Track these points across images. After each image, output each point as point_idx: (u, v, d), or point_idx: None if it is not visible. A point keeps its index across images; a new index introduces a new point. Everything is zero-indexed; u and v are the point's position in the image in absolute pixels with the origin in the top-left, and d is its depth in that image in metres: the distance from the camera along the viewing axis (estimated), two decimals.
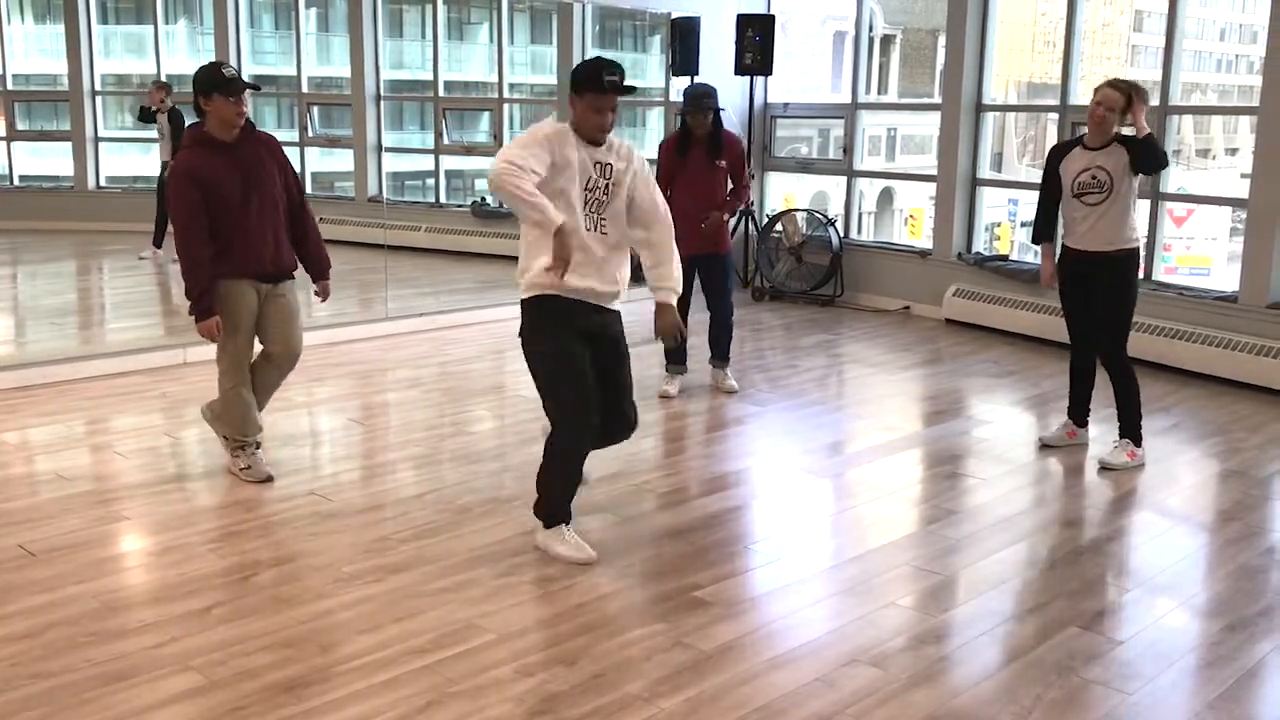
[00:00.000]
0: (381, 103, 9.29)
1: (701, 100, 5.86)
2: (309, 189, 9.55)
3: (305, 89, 9.37)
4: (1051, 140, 7.81)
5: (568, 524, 4.00)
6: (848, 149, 9.20)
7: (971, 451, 5.35)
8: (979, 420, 5.89)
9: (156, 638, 3.32)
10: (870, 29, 9.36)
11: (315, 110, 9.47)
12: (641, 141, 10.04)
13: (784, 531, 4.33)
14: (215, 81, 4.28)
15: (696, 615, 3.55)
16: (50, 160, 9.03)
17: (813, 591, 3.79)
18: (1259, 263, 6.72)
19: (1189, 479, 5.13)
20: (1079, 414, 5.35)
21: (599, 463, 4.51)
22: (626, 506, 4.47)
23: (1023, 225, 11.90)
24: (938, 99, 8.57)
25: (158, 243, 8.54)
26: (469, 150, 10.10)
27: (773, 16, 9.02)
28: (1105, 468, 5.06)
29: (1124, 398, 5.11)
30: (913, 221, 12.02)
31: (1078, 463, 5.19)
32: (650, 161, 6.00)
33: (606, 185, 3.79)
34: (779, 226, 9.12)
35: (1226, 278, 7.64)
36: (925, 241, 9.19)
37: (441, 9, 9.55)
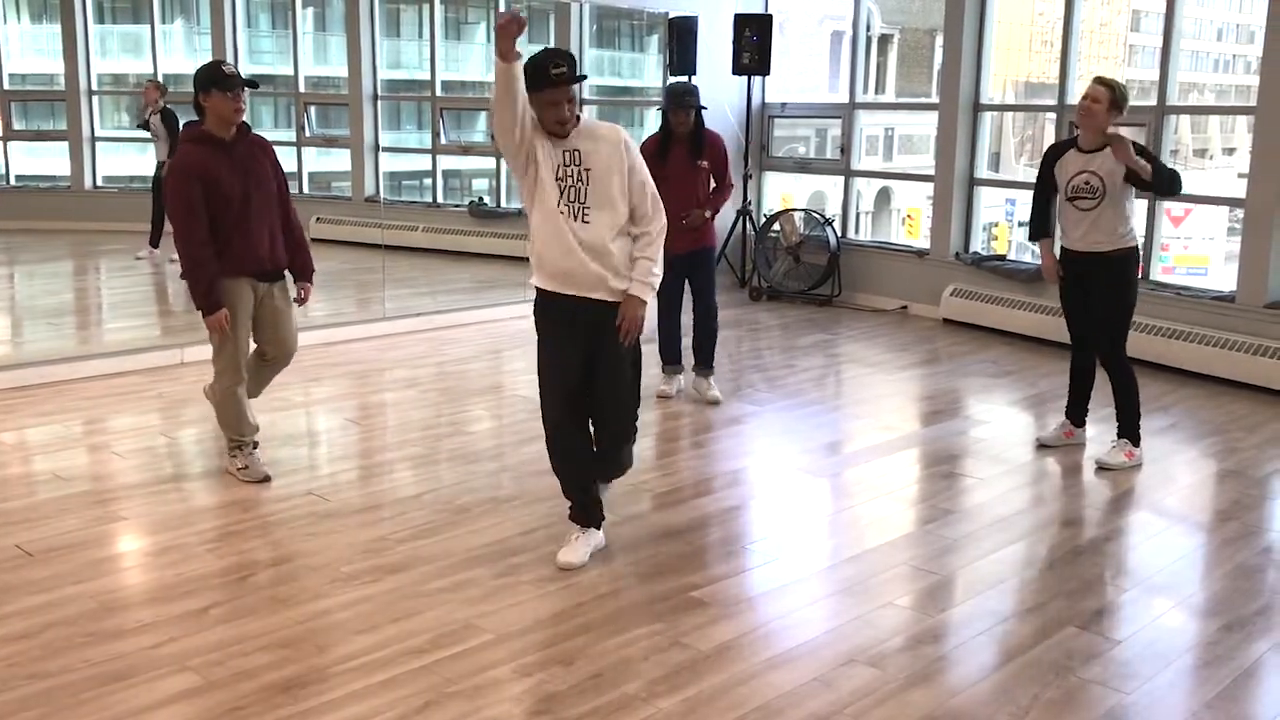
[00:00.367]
0: (379, 102, 9.29)
1: (683, 98, 5.77)
2: (306, 188, 9.60)
3: (302, 89, 9.37)
4: (1049, 140, 7.81)
5: (584, 527, 3.97)
6: (845, 149, 9.20)
7: (969, 451, 5.35)
8: (976, 420, 5.89)
9: (154, 638, 3.32)
10: (868, 29, 9.35)
11: (312, 110, 9.47)
12: (637, 142, 10.01)
13: (782, 531, 4.33)
14: (214, 78, 4.32)
15: (694, 615, 3.55)
16: (47, 160, 9.03)
17: (810, 591, 3.79)
18: (1256, 262, 6.73)
19: (1186, 478, 5.14)
20: (1077, 414, 5.35)
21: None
22: (624, 506, 4.46)
23: (1019, 225, 11.91)
24: (935, 99, 8.57)
25: (155, 242, 8.54)
26: (466, 150, 10.10)
27: (770, 16, 9.02)
28: (1102, 468, 5.06)
29: (1123, 398, 5.11)
30: (910, 221, 12.01)
31: (1075, 462, 5.19)
32: None
33: (579, 171, 3.69)
34: (776, 226, 9.12)
35: (1224, 277, 7.64)
36: (923, 241, 9.18)
37: (439, 8, 9.55)
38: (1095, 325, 5.09)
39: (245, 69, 9.03)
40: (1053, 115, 7.95)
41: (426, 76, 9.64)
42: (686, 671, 3.20)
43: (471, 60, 10.47)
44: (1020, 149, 12.35)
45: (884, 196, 12.37)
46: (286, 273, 4.68)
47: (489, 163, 9.94)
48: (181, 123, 8.01)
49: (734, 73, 8.94)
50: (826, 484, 4.95)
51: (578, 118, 3.72)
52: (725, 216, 6.50)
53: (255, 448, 4.75)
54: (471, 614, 3.52)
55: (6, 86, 8.54)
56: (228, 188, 4.34)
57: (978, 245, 8.57)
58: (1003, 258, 8.28)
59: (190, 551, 3.96)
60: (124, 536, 4.15)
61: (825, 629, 3.51)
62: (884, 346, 7.55)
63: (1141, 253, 5.37)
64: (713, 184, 5.94)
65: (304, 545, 4.05)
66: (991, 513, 4.53)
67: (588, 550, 3.93)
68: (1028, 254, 8.44)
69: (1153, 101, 7.23)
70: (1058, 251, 5.23)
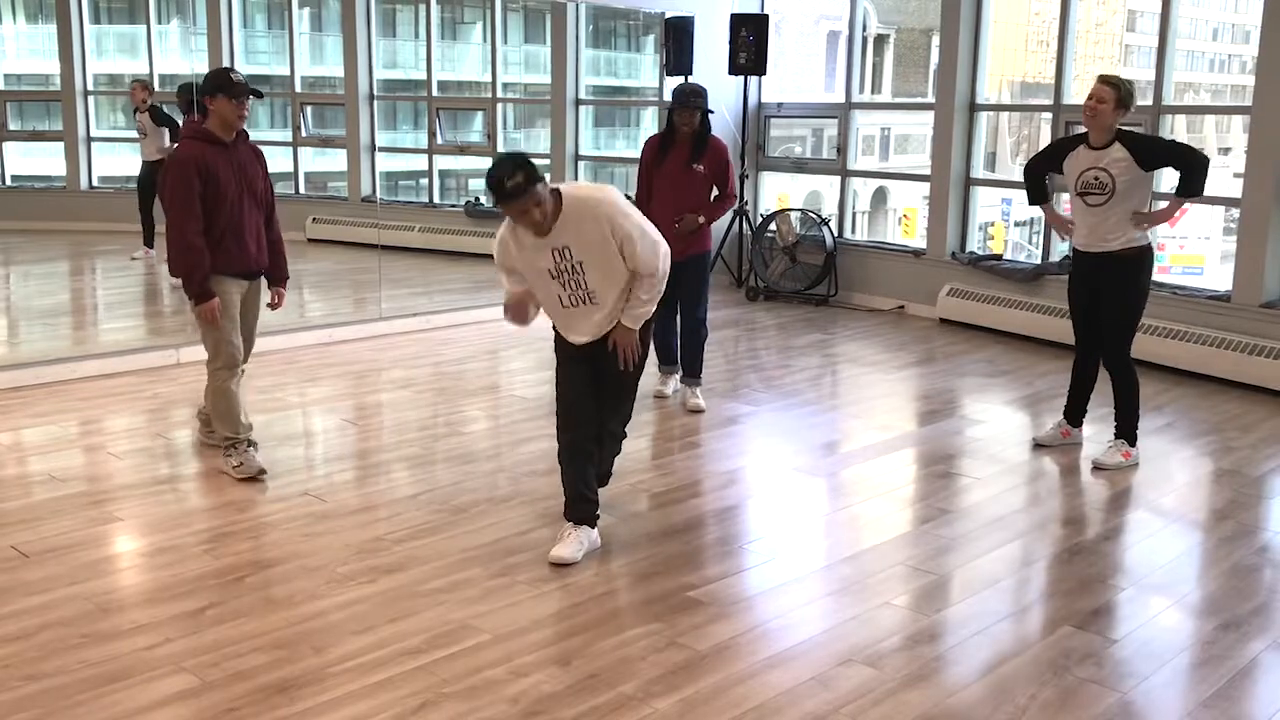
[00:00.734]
0: (375, 102, 9.29)
1: (690, 99, 5.74)
2: (302, 189, 9.59)
3: (298, 89, 9.36)
4: (1045, 140, 7.82)
5: (577, 524, 4.01)
6: (841, 149, 9.20)
7: (965, 451, 5.36)
8: (973, 420, 5.90)
9: (150, 639, 3.32)
10: (864, 28, 9.36)
11: (309, 110, 9.47)
12: (634, 142, 10.03)
13: (778, 531, 4.33)
14: (221, 83, 4.53)
15: (691, 615, 3.55)
16: (42, 160, 9.01)
17: (807, 591, 3.79)
18: (1252, 262, 6.74)
19: (1183, 478, 5.14)
20: (1075, 414, 5.35)
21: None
22: (621, 506, 4.46)
23: (1016, 225, 11.92)
24: (931, 99, 8.57)
25: (149, 242, 8.51)
26: (462, 150, 10.10)
27: (766, 16, 9.01)
28: (1099, 468, 5.06)
29: (1124, 399, 5.10)
30: (906, 221, 12.01)
31: (1072, 462, 5.19)
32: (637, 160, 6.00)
33: (572, 265, 3.83)
34: (773, 226, 9.12)
35: (1220, 277, 7.65)
36: (919, 241, 9.18)
37: (435, 8, 9.55)
38: (1101, 327, 5.07)
39: (241, 69, 9.04)
40: (1049, 115, 7.95)
41: (423, 76, 9.63)
42: (683, 671, 3.20)
43: (467, 60, 10.47)
44: (1016, 149, 12.34)
45: (880, 196, 12.37)
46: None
47: (485, 162, 9.90)
48: (170, 120, 8.07)
49: (730, 73, 8.94)
50: (823, 484, 4.95)
51: (556, 207, 3.77)
52: (722, 217, 6.48)
53: (251, 447, 4.76)
54: (468, 614, 3.52)
55: (2, 87, 8.52)
56: (225, 186, 4.52)
57: (974, 245, 8.57)
58: (999, 257, 8.28)
59: (186, 552, 3.96)
60: (120, 537, 4.15)
61: (822, 629, 3.51)
62: (880, 346, 7.55)
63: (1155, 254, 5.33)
64: (714, 191, 5.89)
65: (300, 546, 4.04)
66: (988, 512, 4.53)
67: (580, 547, 3.95)
68: (1024, 254, 8.45)
69: (1149, 102, 7.24)
70: (1067, 250, 5.19)
